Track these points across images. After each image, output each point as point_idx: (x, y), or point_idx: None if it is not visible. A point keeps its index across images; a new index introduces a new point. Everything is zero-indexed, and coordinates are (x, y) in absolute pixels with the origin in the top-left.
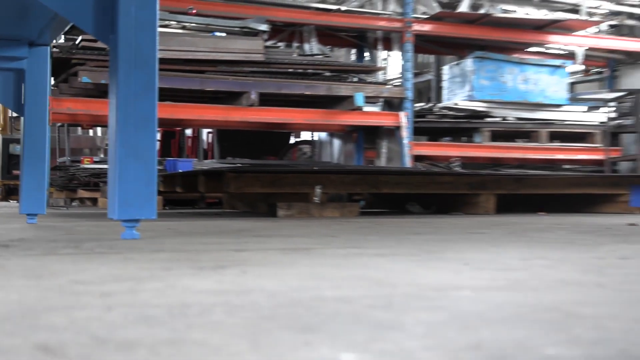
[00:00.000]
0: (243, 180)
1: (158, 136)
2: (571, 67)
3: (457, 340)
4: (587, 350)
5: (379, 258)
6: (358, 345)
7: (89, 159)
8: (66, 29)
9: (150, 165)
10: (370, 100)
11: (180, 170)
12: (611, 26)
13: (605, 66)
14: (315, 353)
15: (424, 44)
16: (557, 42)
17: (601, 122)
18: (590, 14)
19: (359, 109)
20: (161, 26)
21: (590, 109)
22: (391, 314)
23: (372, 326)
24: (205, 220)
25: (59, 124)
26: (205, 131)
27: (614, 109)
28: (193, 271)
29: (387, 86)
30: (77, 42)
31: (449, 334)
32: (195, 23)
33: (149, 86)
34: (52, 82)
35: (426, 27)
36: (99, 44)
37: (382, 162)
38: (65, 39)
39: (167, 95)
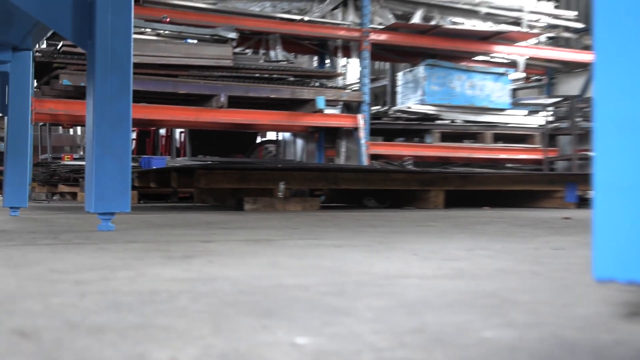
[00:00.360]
0: (212, 176)
1: (134, 135)
2: (513, 74)
3: (403, 325)
4: (521, 333)
5: (335, 249)
6: (312, 329)
7: (69, 156)
8: (48, 35)
9: (124, 162)
10: (330, 103)
11: (154, 167)
12: (549, 38)
13: (544, 74)
14: (273, 337)
15: (380, 52)
16: (501, 51)
17: (540, 125)
18: (531, 27)
19: (320, 111)
20: (137, 33)
21: (530, 113)
22: (344, 301)
23: (326, 312)
24: (176, 213)
25: (42, 123)
26: (178, 131)
27: (551, 113)
28: (163, 261)
29: (346, 90)
30: (58, 47)
31: (396, 319)
32: (169, 31)
33: (123, 88)
34: (35, 84)
35: (382, 37)
36: (79, 50)
37: (341, 160)
38: (48, 45)
39: (142, 97)
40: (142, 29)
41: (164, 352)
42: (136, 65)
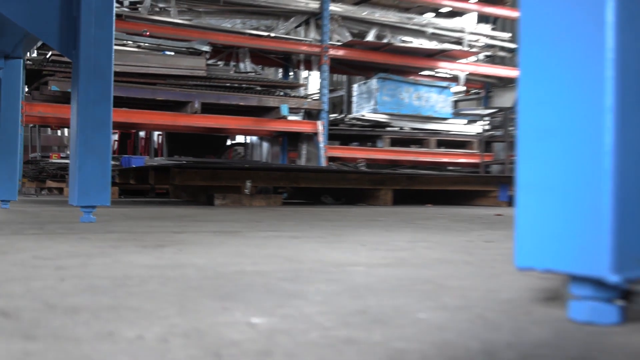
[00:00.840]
0: (186, 174)
1: (116, 137)
2: (455, 88)
3: (347, 307)
4: (451, 314)
5: (293, 240)
6: (266, 310)
7: (56, 155)
8: (37, 45)
9: (105, 161)
10: (293, 110)
11: (133, 165)
12: (487, 56)
13: (482, 88)
14: (231, 317)
15: (338, 66)
16: (445, 67)
17: (477, 133)
18: (471, 46)
19: (284, 117)
20: (119, 45)
21: (469, 122)
22: (297, 285)
23: (280, 295)
24: (153, 207)
25: (32, 125)
26: (156, 133)
27: (487, 122)
28: (137, 249)
29: (308, 99)
30: (47, 56)
31: (342, 302)
32: (149, 43)
33: (105, 94)
34: (26, 89)
35: (340, 52)
36: (66, 59)
37: (302, 161)
38: (38, 54)
39: (123, 102)
40: (125, 41)
41: (132, 331)
42: (118, 73)
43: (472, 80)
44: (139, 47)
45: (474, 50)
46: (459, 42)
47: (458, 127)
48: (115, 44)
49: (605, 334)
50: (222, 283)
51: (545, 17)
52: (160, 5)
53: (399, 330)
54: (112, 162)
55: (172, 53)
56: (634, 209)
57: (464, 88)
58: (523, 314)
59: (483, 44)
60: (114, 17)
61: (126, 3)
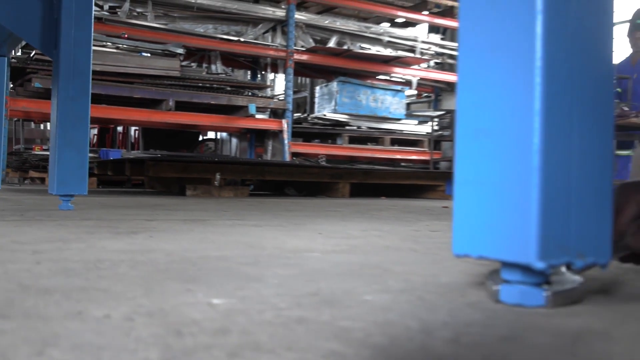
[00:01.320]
0: (160, 167)
1: (95, 131)
2: (408, 91)
3: (301, 289)
4: (394, 296)
5: (256, 228)
6: (227, 292)
7: (39, 147)
8: (21, 44)
9: (83, 153)
10: (260, 109)
11: (111, 158)
12: (437, 63)
13: (432, 92)
14: (193, 298)
15: (302, 69)
16: (399, 72)
17: (427, 132)
18: (423, 54)
19: (252, 116)
20: (99, 46)
21: (421, 122)
22: (256, 270)
23: (241, 278)
24: (128, 197)
25: (16, 119)
26: (133, 128)
27: (437, 123)
28: (111, 235)
29: (274, 100)
30: (31, 55)
31: (296, 285)
32: (127, 45)
33: (83, 91)
34: (11, 85)
35: (304, 57)
36: (48, 57)
37: (268, 156)
38: (22, 52)
39: (103, 99)
40: (104, 43)
41: (100, 310)
42: (98, 72)
43: (423, 84)
44: (117, 48)
45: (425, 57)
46: (412, 49)
47: (410, 127)
48: (95, 45)
49: (531, 315)
50: (187, 267)
51: (481, 27)
52: (138, 10)
53: (346, 311)
54: (91, 155)
55: (149, 54)
56: (557, 202)
57: (416, 92)
58: (459, 296)
59: (433, 52)
60: (92, 19)
61: (106, 7)
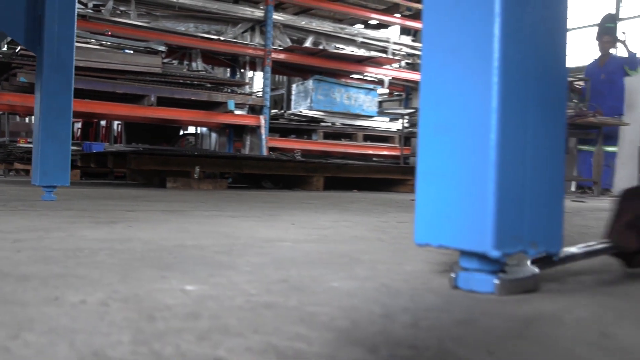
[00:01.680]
0: (141, 160)
1: (79, 125)
2: (380, 90)
3: (271, 277)
4: (360, 283)
5: (232, 219)
6: (200, 279)
7: (24, 140)
8: (7, 40)
9: (65, 145)
10: (239, 105)
11: (94, 151)
12: (408, 64)
13: (403, 91)
14: (168, 285)
15: (279, 67)
16: (372, 72)
17: (398, 129)
18: (394, 54)
19: (231, 112)
20: (83, 43)
21: (392, 120)
22: (230, 258)
23: (214, 266)
24: (111, 188)
25: (1, 112)
26: (115, 122)
27: (407, 120)
28: (91, 225)
29: (252, 96)
30: (17, 50)
31: (267, 272)
32: (110, 42)
33: (66, 86)
34: None
35: (281, 56)
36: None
37: (246, 151)
38: (8, 48)
39: (86, 94)
40: (88, 40)
41: (76, 296)
42: (82, 68)
43: (394, 83)
44: (101, 45)
45: (397, 58)
46: (384, 50)
47: (382, 124)
48: (80, 42)
49: (486, 301)
50: (163, 255)
51: (443, 29)
52: (122, 8)
53: (314, 297)
54: (75, 148)
55: (132, 51)
56: (512, 195)
57: (388, 90)
58: (421, 283)
59: (405, 53)
60: (75, 17)
61: (90, 5)
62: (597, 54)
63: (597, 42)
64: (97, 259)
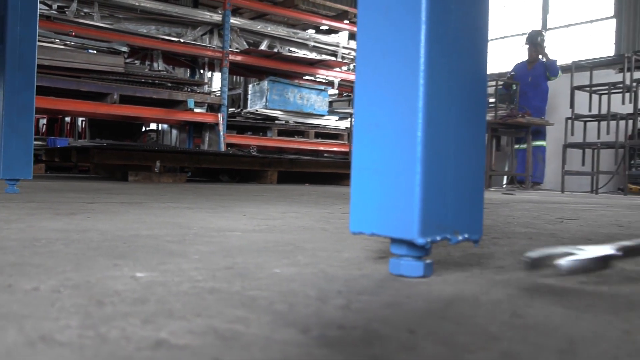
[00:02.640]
0: (104, 154)
1: (44, 121)
2: (330, 91)
3: (218, 264)
4: (300, 269)
5: (187, 210)
6: (151, 266)
7: None
8: None
9: (28, 141)
10: (198, 104)
11: (58, 146)
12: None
13: (352, 92)
14: (119, 272)
15: (236, 69)
16: (323, 74)
17: (347, 127)
18: (343, 58)
19: (191, 110)
20: (48, 43)
21: (341, 118)
22: (181, 247)
23: (165, 254)
24: (74, 182)
25: None
26: (80, 119)
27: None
28: (51, 216)
29: (210, 95)
30: None
31: (215, 260)
32: (74, 42)
33: (29, 84)
34: None
35: (238, 58)
36: None
37: (205, 146)
38: None
39: (52, 92)
40: (53, 40)
41: (29, 284)
42: (47, 67)
43: (344, 85)
44: (65, 45)
45: (346, 61)
46: (334, 54)
47: (332, 122)
48: (45, 42)
49: (413, 284)
50: (118, 244)
51: (374, 34)
52: (85, 10)
53: (256, 282)
54: (40, 143)
55: (95, 51)
56: (436, 187)
57: (338, 91)
58: (356, 269)
59: (353, 56)
60: (37, 17)
61: (55, 6)
62: (525, 57)
63: (526, 48)
64: (53, 248)
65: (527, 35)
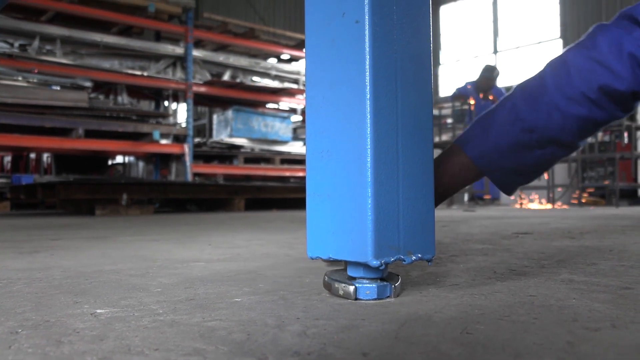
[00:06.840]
0: (71, 189)
1: (9, 158)
2: (294, 117)
3: (180, 296)
4: (260, 297)
5: (153, 242)
6: (112, 302)
7: None
8: None
9: None
10: (164, 135)
11: (23, 183)
12: None
13: None
14: (79, 309)
15: (200, 99)
16: (285, 101)
17: None
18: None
19: (157, 141)
20: (11, 80)
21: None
22: (143, 280)
23: (127, 289)
24: (40, 218)
25: None
26: (45, 155)
27: None
28: (14, 255)
29: (176, 127)
30: None
31: (176, 292)
32: (37, 79)
33: None
34: None
35: (202, 89)
36: None
37: (172, 177)
38: None
39: (15, 129)
40: (15, 77)
41: None
42: (10, 105)
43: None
44: (28, 82)
45: None
46: (296, 81)
47: (297, 148)
48: (7, 79)
49: (369, 306)
50: (80, 281)
51: (322, 65)
52: (47, 47)
53: (216, 312)
54: (4, 180)
55: (58, 87)
56: (387, 210)
57: (301, 117)
58: (316, 294)
59: None
60: None
61: (16, 45)
62: (475, 77)
63: (481, 77)
64: (13, 288)
65: (484, 68)
